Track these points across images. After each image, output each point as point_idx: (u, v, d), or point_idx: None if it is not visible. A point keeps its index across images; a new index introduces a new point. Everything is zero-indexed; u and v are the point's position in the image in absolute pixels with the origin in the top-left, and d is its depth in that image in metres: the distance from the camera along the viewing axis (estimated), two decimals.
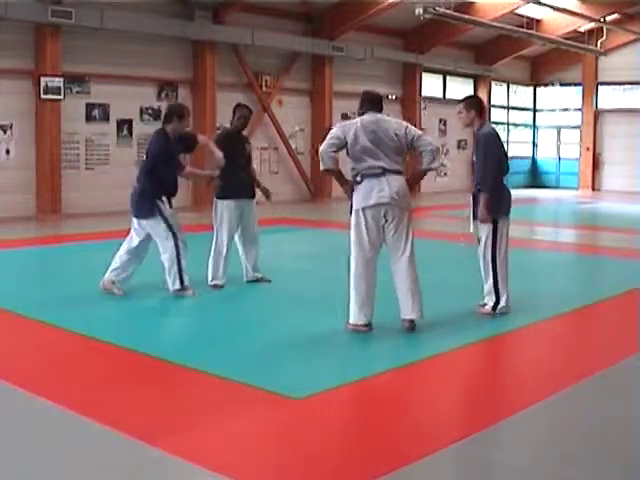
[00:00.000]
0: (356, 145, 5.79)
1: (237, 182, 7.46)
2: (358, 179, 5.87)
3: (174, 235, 6.96)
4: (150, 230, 7.02)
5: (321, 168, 5.85)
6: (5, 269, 8.73)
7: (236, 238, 7.64)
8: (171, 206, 7.04)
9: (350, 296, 5.87)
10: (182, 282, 7.02)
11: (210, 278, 7.46)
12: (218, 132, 7.51)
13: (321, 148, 5.79)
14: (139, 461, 3.59)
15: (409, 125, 6.01)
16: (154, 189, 6.96)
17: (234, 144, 7.50)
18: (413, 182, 6.09)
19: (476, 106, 6.58)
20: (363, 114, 5.95)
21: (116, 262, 7.13)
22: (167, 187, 7.00)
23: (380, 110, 6.01)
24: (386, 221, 5.82)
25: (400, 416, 4.29)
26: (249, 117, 7.74)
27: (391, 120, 6.00)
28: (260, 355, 5.32)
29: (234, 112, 7.63)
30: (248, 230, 7.63)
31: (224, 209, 7.46)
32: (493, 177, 6.36)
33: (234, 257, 7.66)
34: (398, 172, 5.87)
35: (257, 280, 7.72)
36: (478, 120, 6.54)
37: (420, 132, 6.01)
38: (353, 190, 5.88)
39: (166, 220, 6.96)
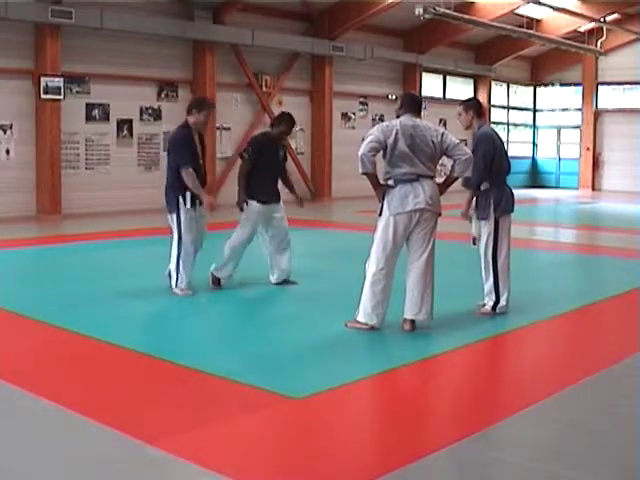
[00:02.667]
0: (395, 150, 5.78)
1: (264, 187, 7.43)
2: (391, 183, 5.87)
3: (180, 237, 7.03)
4: (170, 223, 7.15)
5: (360, 171, 5.76)
6: (5, 269, 8.73)
7: (267, 241, 7.60)
8: (194, 204, 7.03)
9: (363, 296, 5.87)
10: (176, 284, 7.11)
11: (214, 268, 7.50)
12: (258, 133, 7.46)
13: (360, 151, 5.71)
14: (139, 461, 3.59)
15: (445, 132, 5.99)
16: (175, 184, 7.04)
17: (267, 150, 7.47)
18: (444, 188, 6.08)
19: (474, 107, 6.60)
20: (400, 115, 5.94)
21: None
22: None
23: (418, 113, 6.01)
24: (416, 224, 5.83)
25: (400, 416, 4.29)
26: (290, 133, 7.79)
27: (429, 126, 5.96)
28: (260, 355, 5.32)
29: (279, 120, 7.57)
30: (279, 235, 7.55)
31: (249, 211, 7.40)
32: (480, 176, 6.34)
33: (247, 259, 7.68)
34: (431, 177, 5.89)
35: (281, 283, 7.66)
36: (477, 121, 6.55)
37: (457, 140, 5.99)
38: (384, 193, 5.88)
39: (179, 219, 7.03)
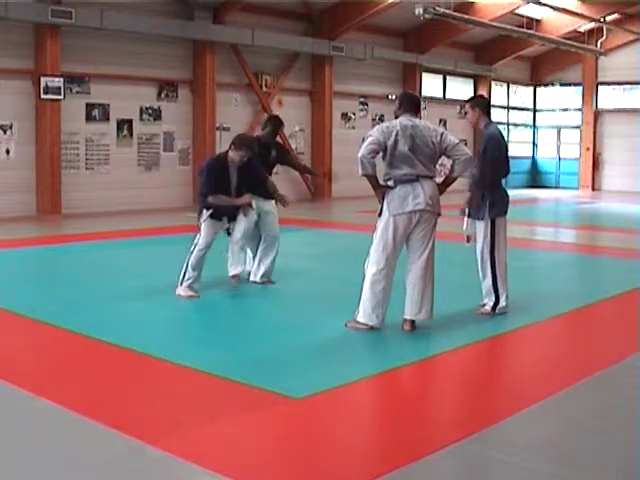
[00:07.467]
0: (395, 151, 5.77)
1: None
2: (390, 184, 5.87)
3: (195, 244, 7.13)
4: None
5: (360, 173, 5.76)
6: (5, 269, 8.73)
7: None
8: (216, 218, 7.17)
9: (363, 296, 5.87)
10: (181, 283, 7.09)
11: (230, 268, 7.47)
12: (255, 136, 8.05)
13: (360, 153, 5.71)
14: (139, 461, 3.59)
15: (445, 131, 5.99)
16: (201, 200, 7.26)
17: (262, 152, 7.59)
18: (444, 188, 6.08)
19: (480, 105, 6.61)
20: (399, 116, 5.94)
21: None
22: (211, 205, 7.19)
23: (417, 113, 6.00)
24: (416, 225, 5.83)
25: (400, 416, 4.29)
26: (279, 130, 8.23)
27: (428, 126, 5.95)
28: (260, 355, 5.32)
29: (267, 123, 8.06)
30: (265, 231, 7.65)
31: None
32: (488, 177, 6.36)
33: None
34: (430, 177, 5.89)
35: (262, 282, 7.71)
36: (483, 119, 6.55)
37: (456, 140, 5.98)
38: (384, 194, 5.88)
39: (199, 228, 7.18)
